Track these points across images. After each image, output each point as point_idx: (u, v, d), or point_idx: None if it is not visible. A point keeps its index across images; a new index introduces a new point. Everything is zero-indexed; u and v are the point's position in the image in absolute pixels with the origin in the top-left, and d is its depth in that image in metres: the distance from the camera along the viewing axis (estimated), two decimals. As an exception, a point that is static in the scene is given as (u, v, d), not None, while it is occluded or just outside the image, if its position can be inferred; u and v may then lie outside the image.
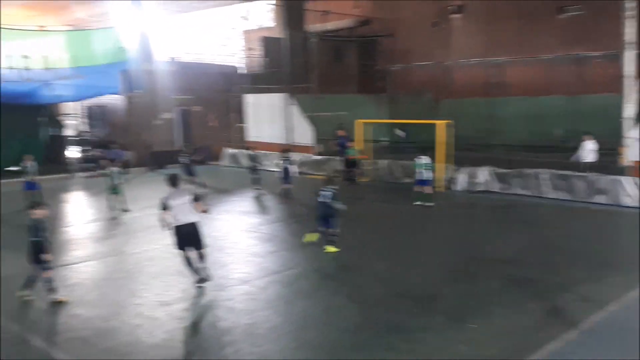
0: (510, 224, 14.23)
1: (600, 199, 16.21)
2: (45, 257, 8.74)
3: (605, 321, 7.81)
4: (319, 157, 24.02)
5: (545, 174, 17.36)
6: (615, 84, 19.25)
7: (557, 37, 25.48)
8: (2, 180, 21.69)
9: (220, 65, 32.74)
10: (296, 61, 28.57)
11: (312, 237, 11.59)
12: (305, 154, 24.53)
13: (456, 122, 19.14)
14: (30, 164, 17.15)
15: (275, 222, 15.12)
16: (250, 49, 32.95)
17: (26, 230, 8.90)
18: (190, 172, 19.17)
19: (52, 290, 8.93)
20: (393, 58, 31.72)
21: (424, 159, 16.12)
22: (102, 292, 9.66)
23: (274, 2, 33.29)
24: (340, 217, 11.54)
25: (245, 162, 25.36)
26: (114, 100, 28.55)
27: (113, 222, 15.35)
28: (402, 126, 27.71)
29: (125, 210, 16.14)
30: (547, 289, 9.09)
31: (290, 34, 29.73)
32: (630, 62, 18.05)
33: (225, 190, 20.36)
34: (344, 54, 33.71)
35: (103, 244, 13.17)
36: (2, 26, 24.87)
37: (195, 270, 9.54)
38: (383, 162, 21.70)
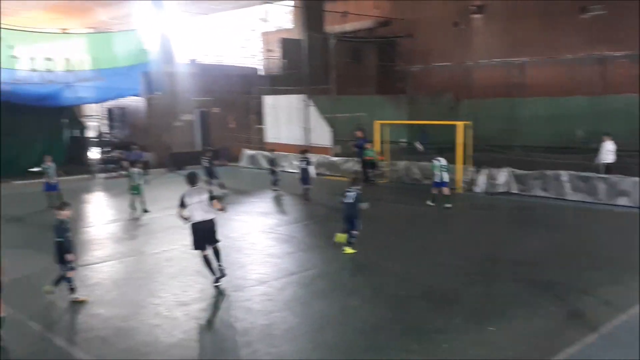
0: (530, 226, 14.06)
1: (623, 200, 15.95)
2: (69, 257, 8.87)
3: (625, 325, 7.69)
4: (337, 159, 24.01)
5: (566, 175, 17.14)
6: (638, 84, 18.96)
7: (579, 37, 25.21)
8: (24, 181, 22.11)
9: (240, 67, 32.93)
10: (315, 62, 28.60)
11: (342, 237, 11.65)
12: (324, 155, 24.53)
13: (476, 123, 19.01)
14: (49, 164, 17.40)
15: (293, 223, 15.14)
16: (269, 50, 33.07)
17: (51, 230, 9.04)
18: (211, 174, 19.27)
19: (72, 289, 9.05)
20: (413, 59, 31.64)
21: (442, 161, 16.08)
22: (121, 291, 9.76)
23: (293, 3, 33.38)
24: (361, 218, 11.56)
25: (264, 163, 25.51)
26: (135, 102, 28.87)
27: (133, 223, 15.51)
28: (421, 127, 27.57)
29: (145, 211, 16.30)
30: (567, 292, 8.99)
31: (309, 36, 29.79)
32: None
33: (244, 191, 20.44)
34: (363, 55, 33.66)
35: (123, 244, 13.31)
36: (25, 29, 25.34)
37: (213, 270, 9.64)
38: (401, 163, 21.61)
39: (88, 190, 21.87)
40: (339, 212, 11.94)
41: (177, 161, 26.49)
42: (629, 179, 16.00)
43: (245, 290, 9.47)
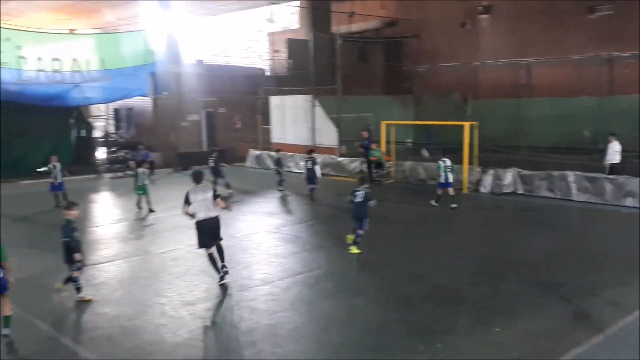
0: (536, 227, 14.01)
1: (629, 202, 15.88)
2: (77, 256, 8.91)
3: (631, 326, 7.66)
4: (343, 159, 24.00)
5: (572, 176, 17.08)
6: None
7: (586, 38, 25.12)
8: (32, 181, 22.23)
9: (246, 67, 32.99)
10: (321, 63, 28.60)
11: (353, 238, 11.66)
12: (329, 155, 24.53)
13: (483, 124, 18.97)
14: (55, 164, 17.48)
15: (298, 223, 15.15)
16: (275, 51, 33.10)
17: (58, 230, 9.08)
18: (217, 174, 19.30)
19: (78, 289, 9.09)
20: (419, 59, 31.59)
21: (447, 162, 16.07)
22: (127, 291, 9.80)
23: (299, 4, 33.38)
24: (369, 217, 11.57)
25: (270, 163, 25.54)
26: (142, 102, 28.97)
27: (139, 223, 15.56)
28: (427, 127, 27.54)
29: (151, 211, 16.35)
30: (573, 293, 8.96)
31: (316, 36, 29.79)
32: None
33: (250, 191, 20.47)
34: (369, 55, 33.65)
35: (129, 244, 13.35)
36: (33, 30, 25.47)
37: (218, 269, 9.70)
38: (407, 164, 21.58)
39: (95, 190, 21.94)
40: (345, 212, 11.94)
41: (183, 161, 26.56)
42: (636, 180, 15.92)
43: (250, 290, 9.48)
